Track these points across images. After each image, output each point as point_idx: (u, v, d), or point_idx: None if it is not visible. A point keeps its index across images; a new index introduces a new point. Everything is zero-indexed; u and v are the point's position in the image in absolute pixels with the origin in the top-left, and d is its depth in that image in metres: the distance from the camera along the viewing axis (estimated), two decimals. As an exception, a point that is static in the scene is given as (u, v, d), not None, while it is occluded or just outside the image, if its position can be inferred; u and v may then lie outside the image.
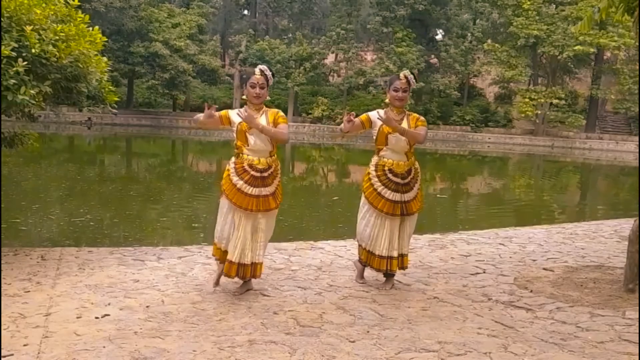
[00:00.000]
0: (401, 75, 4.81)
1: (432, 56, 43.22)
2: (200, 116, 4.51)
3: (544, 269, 5.73)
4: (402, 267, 4.98)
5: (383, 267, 4.89)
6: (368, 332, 3.84)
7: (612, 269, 5.70)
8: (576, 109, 41.99)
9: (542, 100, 37.69)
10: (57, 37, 5.04)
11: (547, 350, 3.59)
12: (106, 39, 5.96)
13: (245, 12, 50.66)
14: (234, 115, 4.56)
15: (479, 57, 43.48)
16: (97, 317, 3.96)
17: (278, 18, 49.98)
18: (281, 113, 4.66)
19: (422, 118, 4.91)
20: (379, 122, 4.79)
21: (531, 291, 4.91)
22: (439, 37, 45.10)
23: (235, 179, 4.47)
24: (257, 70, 4.50)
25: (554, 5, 38.18)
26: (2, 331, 3.60)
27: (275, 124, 4.53)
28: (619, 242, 7.15)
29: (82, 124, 34.56)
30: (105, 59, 5.98)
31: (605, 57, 41.66)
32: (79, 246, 6.55)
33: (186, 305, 4.27)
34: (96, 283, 4.77)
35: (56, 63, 5.06)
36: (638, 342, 3.68)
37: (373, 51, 45.55)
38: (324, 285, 4.93)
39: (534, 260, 6.10)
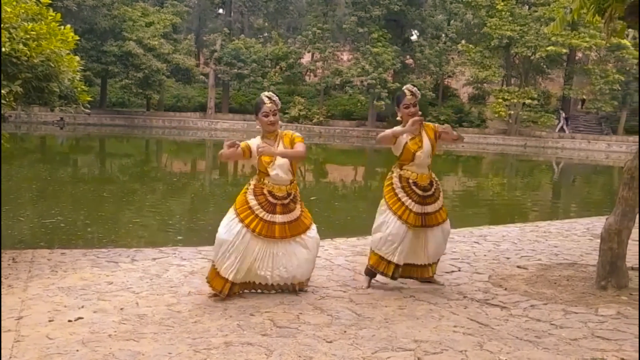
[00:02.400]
0: (407, 91, 4.87)
1: (408, 57, 43.45)
2: (223, 151, 4.42)
3: (518, 267, 5.79)
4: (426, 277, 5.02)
5: (416, 274, 4.98)
6: (345, 332, 3.84)
7: (584, 266, 5.79)
8: (549, 109, 42.57)
9: (515, 101, 38.13)
10: (28, 36, 4.96)
11: (522, 348, 3.62)
12: (78, 38, 5.88)
13: (220, 10, 50.28)
14: (254, 146, 4.52)
15: (453, 58, 43.83)
16: (70, 320, 3.90)
17: (253, 17, 49.76)
18: (296, 134, 4.70)
19: (437, 124, 5.10)
20: (403, 140, 4.81)
21: (506, 289, 4.95)
22: (414, 37, 45.33)
23: (250, 197, 4.51)
24: (265, 98, 4.53)
25: (527, 7, 38.68)
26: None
27: (292, 144, 4.58)
28: (591, 240, 7.26)
29: (54, 124, 34.06)
30: (77, 58, 5.89)
31: (576, 58, 42.33)
32: (52, 248, 6.44)
33: (161, 308, 4.22)
34: (69, 285, 4.69)
35: (27, 62, 4.98)
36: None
37: (349, 51, 45.64)
38: (301, 286, 4.92)
39: (508, 259, 6.16)
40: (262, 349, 3.50)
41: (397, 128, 4.79)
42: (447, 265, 5.77)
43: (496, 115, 40.16)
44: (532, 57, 37.67)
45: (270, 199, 4.50)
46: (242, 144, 4.50)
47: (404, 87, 4.96)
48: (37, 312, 4.02)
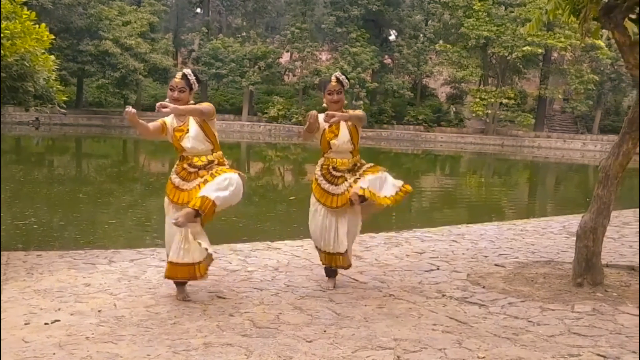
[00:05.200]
0: (332, 77, 4.80)
1: (386, 56, 43.64)
2: (132, 120, 4.17)
3: (496, 265, 5.85)
4: (343, 265, 4.88)
5: (328, 262, 4.88)
6: (325, 331, 3.84)
7: (561, 264, 5.86)
8: (525, 108, 43.08)
9: (493, 100, 38.54)
10: (2, 35, 4.88)
11: (500, 345, 3.66)
12: (54, 37, 5.82)
13: (198, 10, 49.99)
14: (169, 121, 4.43)
15: (431, 58, 44.17)
16: (46, 323, 3.84)
17: (231, 16, 49.58)
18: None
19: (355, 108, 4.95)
20: (322, 128, 4.79)
21: (484, 287, 5.00)
22: (392, 37, 45.56)
23: (172, 176, 4.40)
24: (178, 73, 4.37)
25: (504, 7, 39.10)
26: (-55, 340, 3.46)
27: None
28: (567, 238, 7.35)
29: (29, 124, 33.58)
30: (52, 57, 5.83)
31: (552, 58, 42.92)
32: (27, 250, 6.35)
33: (139, 309, 4.19)
34: (45, 288, 4.63)
35: (1, 61, 4.90)
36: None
37: (328, 51, 45.72)
38: (281, 286, 4.91)
39: (486, 257, 6.22)
40: (242, 349, 3.49)
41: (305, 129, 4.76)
42: (426, 264, 5.81)
43: (474, 115, 40.56)
44: (508, 57, 38.13)
45: (190, 169, 4.34)
46: (160, 120, 4.38)
47: (334, 73, 4.89)
48: (13, 315, 3.96)
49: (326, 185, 4.80)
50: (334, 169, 4.83)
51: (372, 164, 4.89)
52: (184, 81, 4.32)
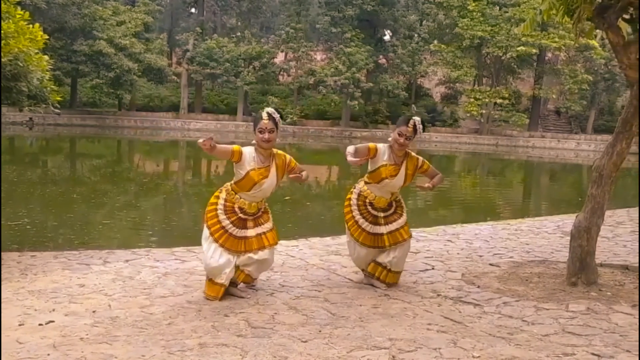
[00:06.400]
0: (410, 122, 4.67)
1: (381, 57, 43.69)
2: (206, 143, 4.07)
3: (491, 264, 5.86)
4: (385, 281, 4.92)
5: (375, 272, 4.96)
6: (320, 331, 3.84)
7: (555, 263, 5.88)
8: (519, 108, 43.21)
9: (487, 100, 38.63)
10: (-5, 35, 4.87)
11: (495, 345, 3.67)
12: (48, 37, 5.80)
13: (193, 10, 49.96)
14: (249, 156, 4.35)
15: (425, 58, 44.26)
16: (41, 324, 3.83)
17: (226, 16, 49.51)
18: (289, 156, 4.58)
19: (423, 160, 4.93)
20: (382, 160, 4.74)
21: (478, 286, 5.01)
22: (387, 37, 45.61)
23: (222, 217, 4.41)
24: (264, 114, 4.30)
25: (498, 7, 39.20)
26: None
27: (290, 167, 4.54)
28: (561, 237, 7.37)
29: (23, 124, 33.49)
30: (46, 57, 5.82)
31: (546, 58, 43.07)
32: (21, 251, 6.32)
33: (134, 310, 4.18)
34: (40, 289, 4.61)
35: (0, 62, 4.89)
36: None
37: (323, 51, 45.72)
38: (276, 286, 4.91)
39: (481, 256, 6.23)
40: (237, 349, 3.49)
41: (354, 159, 4.54)
42: (421, 264, 5.81)
43: (468, 115, 40.65)
44: (503, 57, 38.24)
45: (241, 215, 4.44)
46: (234, 147, 4.37)
47: (414, 117, 4.73)
48: (7, 316, 3.94)
49: (362, 221, 4.85)
50: (371, 204, 4.86)
51: (405, 218, 4.95)
52: (272, 122, 4.31)
